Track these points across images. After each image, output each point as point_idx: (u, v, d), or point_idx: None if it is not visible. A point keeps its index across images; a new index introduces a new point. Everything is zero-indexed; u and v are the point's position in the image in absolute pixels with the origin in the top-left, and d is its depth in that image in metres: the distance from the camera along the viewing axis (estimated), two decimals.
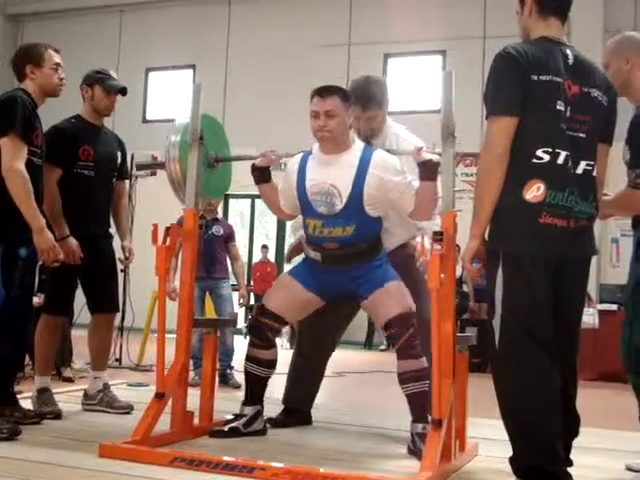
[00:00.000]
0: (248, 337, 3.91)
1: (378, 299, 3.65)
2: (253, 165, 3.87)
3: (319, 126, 3.60)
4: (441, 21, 12.87)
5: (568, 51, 2.93)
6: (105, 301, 4.40)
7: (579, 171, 2.86)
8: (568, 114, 2.85)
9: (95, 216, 4.34)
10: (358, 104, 3.92)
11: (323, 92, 3.63)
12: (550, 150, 2.81)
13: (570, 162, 2.83)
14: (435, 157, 3.42)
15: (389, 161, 3.62)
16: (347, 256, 3.67)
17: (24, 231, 3.66)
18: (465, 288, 10.29)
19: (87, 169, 4.26)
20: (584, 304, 3.20)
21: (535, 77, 2.81)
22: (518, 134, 2.84)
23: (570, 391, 2.99)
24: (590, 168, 2.90)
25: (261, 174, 3.86)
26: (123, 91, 4.44)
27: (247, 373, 3.88)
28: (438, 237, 3.12)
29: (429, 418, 3.20)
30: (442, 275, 3.03)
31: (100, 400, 4.35)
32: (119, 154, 4.53)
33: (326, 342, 4.30)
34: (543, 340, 2.78)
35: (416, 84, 13.50)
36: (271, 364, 3.85)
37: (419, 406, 3.56)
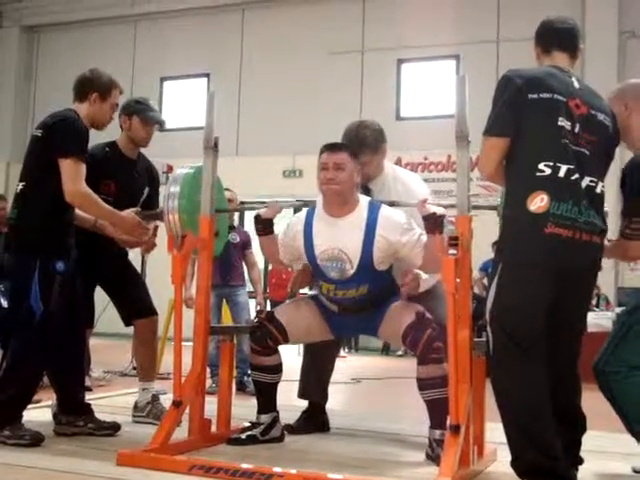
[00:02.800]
0: (250, 344, 3.86)
1: (388, 321, 3.67)
2: (257, 216, 3.85)
3: (327, 178, 3.56)
4: (454, 26, 12.88)
5: (573, 78, 3.06)
6: (138, 306, 4.31)
7: (582, 185, 2.93)
8: (577, 130, 2.95)
9: (106, 239, 4.20)
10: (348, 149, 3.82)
11: (333, 147, 3.64)
12: (551, 164, 2.90)
13: (573, 175, 2.90)
14: (440, 210, 3.38)
15: (395, 220, 3.58)
16: (362, 305, 3.69)
17: (60, 245, 3.69)
18: (476, 290, 10.33)
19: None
20: (587, 314, 3.28)
21: (534, 95, 2.93)
22: (520, 149, 2.97)
23: (573, 397, 3.09)
24: (594, 185, 2.97)
25: (265, 226, 3.83)
26: (161, 124, 4.39)
27: (255, 382, 3.87)
28: (453, 242, 3.11)
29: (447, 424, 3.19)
30: (458, 280, 3.03)
31: (149, 412, 4.27)
32: (147, 189, 4.42)
33: (332, 346, 4.29)
34: (526, 346, 2.88)
35: (430, 89, 13.50)
36: (276, 369, 3.82)
37: (439, 413, 3.52)
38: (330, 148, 3.64)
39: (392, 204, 3.70)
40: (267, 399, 3.85)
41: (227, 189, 6.20)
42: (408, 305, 3.65)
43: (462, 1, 13.00)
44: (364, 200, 3.68)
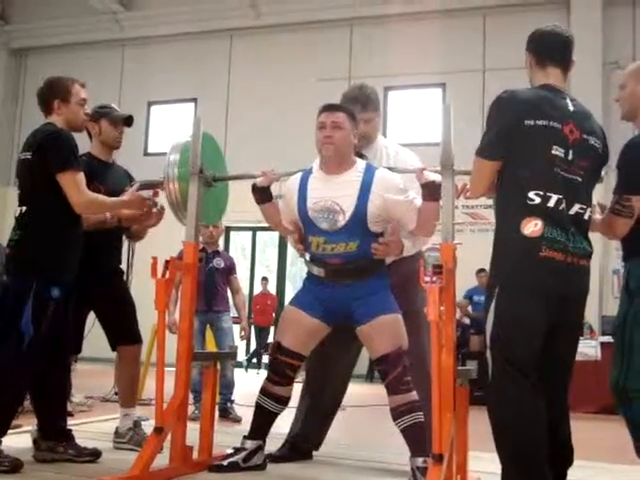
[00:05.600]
0: (267, 373, 3.87)
1: (372, 331, 3.63)
2: (254, 185, 3.86)
3: (324, 137, 3.62)
4: (441, 54, 12.97)
5: (567, 100, 3.05)
6: (125, 332, 4.29)
7: (572, 212, 2.95)
8: (570, 157, 2.95)
9: (105, 252, 4.27)
10: (357, 105, 3.95)
11: (332, 107, 3.71)
12: (541, 193, 2.91)
13: (563, 204, 2.92)
14: (438, 178, 3.43)
15: (392, 180, 3.65)
16: (350, 271, 3.66)
17: (57, 270, 3.67)
18: (466, 320, 10.35)
19: None
20: (578, 343, 3.26)
21: (531, 122, 2.92)
22: (512, 175, 2.98)
23: (563, 428, 3.07)
24: (582, 211, 2.99)
25: (262, 194, 3.86)
26: (129, 120, 4.42)
27: (258, 406, 3.82)
28: (437, 270, 3.11)
29: (429, 451, 3.17)
30: (442, 308, 3.03)
31: (130, 438, 4.23)
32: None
33: (336, 383, 4.27)
34: (527, 371, 2.88)
35: (416, 117, 13.57)
36: (285, 401, 3.81)
37: (416, 439, 3.53)
38: (328, 108, 3.70)
39: (390, 169, 3.74)
40: (261, 426, 3.82)
41: None
42: (395, 329, 3.62)
43: (448, 30, 13.11)
44: (361, 162, 3.73)
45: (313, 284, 3.81)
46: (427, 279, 3.06)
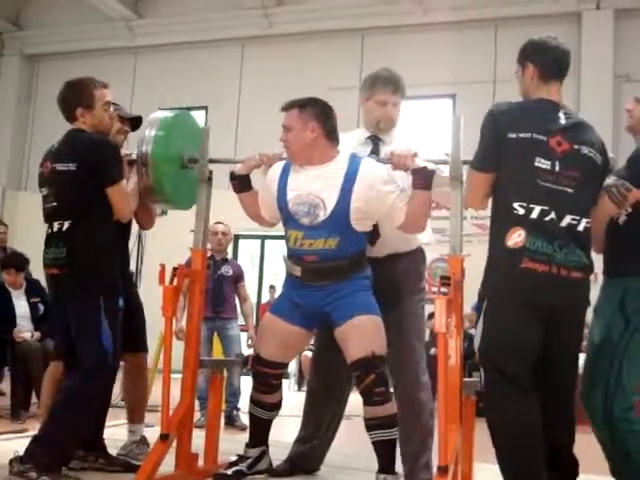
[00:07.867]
0: (252, 382, 3.85)
1: (346, 333, 3.50)
2: (232, 173, 3.79)
3: (281, 140, 3.64)
4: (451, 65, 12.98)
5: (561, 113, 3.06)
6: (130, 340, 3.96)
7: (563, 224, 2.94)
8: (557, 169, 2.96)
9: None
10: (389, 85, 3.88)
11: (284, 107, 3.69)
12: (525, 205, 2.94)
13: (550, 215, 2.93)
14: (430, 165, 3.37)
15: (377, 171, 3.50)
16: (327, 270, 3.52)
17: (117, 280, 3.62)
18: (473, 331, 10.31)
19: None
20: (576, 355, 3.22)
21: (513, 135, 2.97)
22: (498, 187, 3.04)
23: (565, 442, 3.08)
24: (575, 222, 2.97)
25: (241, 182, 3.78)
26: (137, 120, 4.16)
27: (251, 416, 3.81)
28: (445, 281, 3.11)
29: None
30: (449, 319, 3.03)
31: (129, 451, 4.11)
32: None
33: (336, 402, 4.14)
34: (518, 382, 2.92)
35: (426, 128, 13.57)
36: (275, 406, 3.78)
37: (385, 455, 3.49)
38: (283, 108, 3.67)
39: (379, 160, 3.61)
40: (260, 434, 3.79)
41: (221, 222, 6.24)
42: (370, 332, 3.47)
43: (459, 41, 13.12)
44: (345, 153, 3.60)
45: (290, 286, 3.70)
46: (435, 290, 3.06)
